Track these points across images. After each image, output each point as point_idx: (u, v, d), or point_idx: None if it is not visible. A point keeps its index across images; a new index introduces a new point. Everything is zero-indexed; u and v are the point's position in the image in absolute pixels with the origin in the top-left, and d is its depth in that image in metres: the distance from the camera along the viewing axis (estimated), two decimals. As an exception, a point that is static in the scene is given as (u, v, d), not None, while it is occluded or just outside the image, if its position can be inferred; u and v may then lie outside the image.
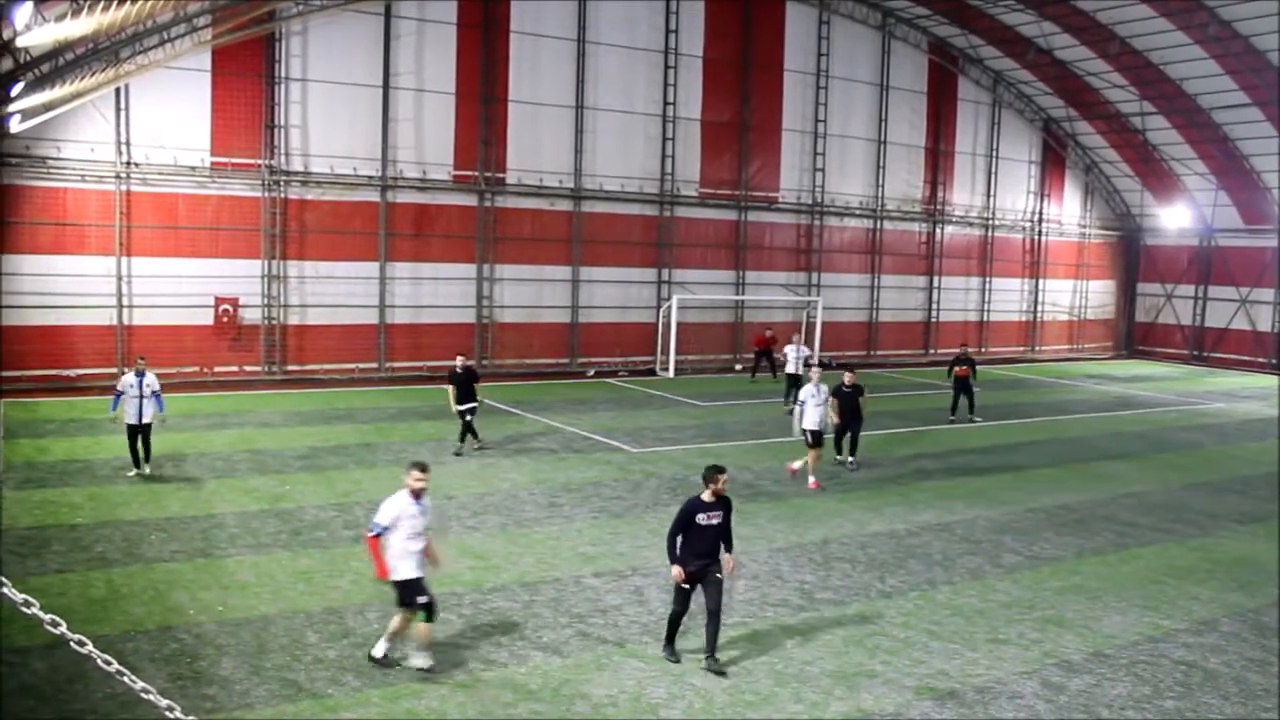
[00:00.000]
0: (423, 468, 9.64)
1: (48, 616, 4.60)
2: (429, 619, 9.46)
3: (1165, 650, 10.90)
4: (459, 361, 19.73)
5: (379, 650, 9.71)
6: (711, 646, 9.93)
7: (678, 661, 10.00)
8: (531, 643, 10.40)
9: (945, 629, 11.26)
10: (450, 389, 19.53)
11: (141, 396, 16.26)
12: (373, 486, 16.51)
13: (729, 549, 10.09)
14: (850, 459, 19.34)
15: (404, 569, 9.42)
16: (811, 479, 17.73)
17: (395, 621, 9.67)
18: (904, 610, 11.82)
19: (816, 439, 17.86)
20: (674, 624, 10.17)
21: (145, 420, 16.41)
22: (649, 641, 10.52)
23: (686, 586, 9.90)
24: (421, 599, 9.40)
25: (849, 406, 18.94)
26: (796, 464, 18.00)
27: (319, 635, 10.34)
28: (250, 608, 11.03)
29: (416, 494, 9.49)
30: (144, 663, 9.46)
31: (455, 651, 10.08)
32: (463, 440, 19.62)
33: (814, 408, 17.89)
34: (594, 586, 12.23)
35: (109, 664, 4.74)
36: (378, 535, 9.36)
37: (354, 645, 10.10)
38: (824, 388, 18.22)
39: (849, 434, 19.23)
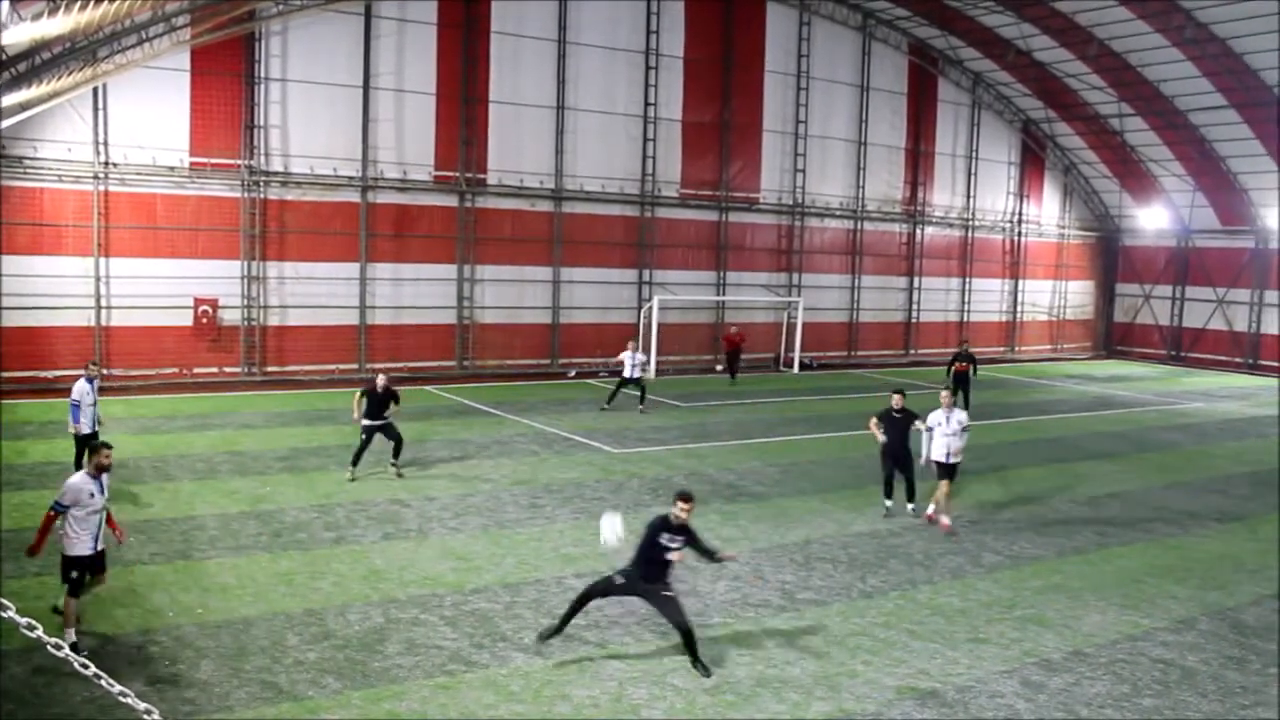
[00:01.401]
0: (108, 447, 9.90)
1: (24, 620, 4.56)
2: (73, 594, 9.65)
3: (1144, 649, 10.98)
4: (380, 381, 17.05)
5: (66, 641, 9.34)
6: (694, 659, 9.85)
7: (543, 640, 10.18)
8: (513, 644, 10.39)
9: (926, 628, 11.31)
10: (357, 397, 17.15)
11: (96, 404, 15.39)
12: (354, 488, 16.46)
13: (713, 556, 10.21)
14: (910, 505, 16.12)
15: (75, 545, 9.61)
16: (944, 519, 15.40)
17: (71, 604, 9.77)
18: (885, 610, 11.87)
19: (948, 471, 15.41)
20: (579, 604, 10.20)
21: (96, 429, 15.39)
22: (630, 642, 10.53)
23: (620, 579, 9.90)
24: (73, 573, 9.60)
25: (899, 437, 15.78)
26: (945, 520, 15.41)
27: (299, 637, 10.29)
28: (230, 610, 10.97)
29: (97, 473, 9.72)
30: (123, 666, 9.39)
31: (436, 653, 10.06)
32: (355, 463, 17.06)
33: (941, 436, 15.36)
34: (576, 587, 12.13)
35: (86, 667, 4.70)
36: (57, 512, 9.52)
37: (334, 647, 10.06)
38: (957, 414, 15.58)
39: (900, 472, 16.06)
